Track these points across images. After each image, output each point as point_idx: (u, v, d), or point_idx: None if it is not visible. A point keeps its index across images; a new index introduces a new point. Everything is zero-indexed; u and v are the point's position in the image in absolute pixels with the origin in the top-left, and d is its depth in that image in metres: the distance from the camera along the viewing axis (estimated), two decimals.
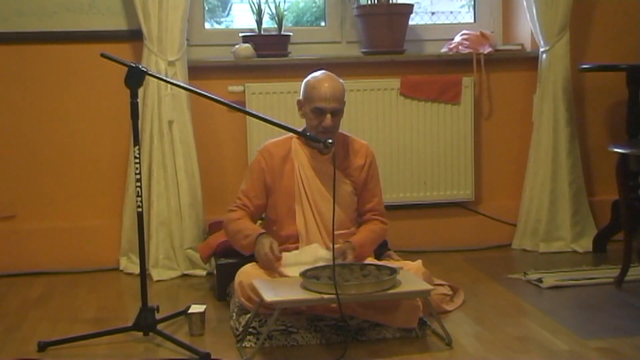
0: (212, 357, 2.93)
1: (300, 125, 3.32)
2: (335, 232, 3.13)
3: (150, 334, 3.09)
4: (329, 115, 3.16)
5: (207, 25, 4.51)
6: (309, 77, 3.27)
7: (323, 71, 3.28)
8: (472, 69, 4.44)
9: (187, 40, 4.19)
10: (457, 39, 4.50)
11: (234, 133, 4.33)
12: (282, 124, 3.14)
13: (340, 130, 3.31)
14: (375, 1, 4.41)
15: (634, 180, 3.92)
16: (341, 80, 3.27)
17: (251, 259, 3.37)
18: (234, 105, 3.25)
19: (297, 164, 3.27)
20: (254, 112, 3.46)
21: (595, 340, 3.04)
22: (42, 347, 3.05)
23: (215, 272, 3.73)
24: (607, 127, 4.65)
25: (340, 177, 3.27)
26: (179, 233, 4.15)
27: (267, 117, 3.17)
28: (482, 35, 4.48)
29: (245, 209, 3.32)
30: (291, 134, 3.26)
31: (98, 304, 3.68)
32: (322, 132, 3.18)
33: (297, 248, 3.25)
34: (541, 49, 4.39)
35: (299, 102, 3.28)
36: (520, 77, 4.57)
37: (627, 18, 4.57)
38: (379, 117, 4.37)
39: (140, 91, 3.16)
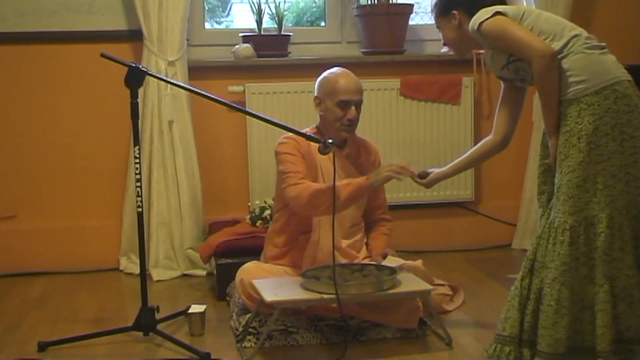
0: (212, 357, 2.93)
1: (300, 125, 3.31)
2: (348, 228, 3.25)
3: (150, 334, 3.09)
4: (353, 108, 3.20)
5: (207, 25, 4.51)
6: (325, 74, 3.28)
7: (338, 67, 3.30)
8: (472, 69, 4.44)
9: (187, 40, 4.19)
10: None
11: (234, 133, 4.34)
12: (282, 124, 3.14)
13: None
14: (375, 1, 4.41)
15: None
16: None
17: (252, 258, 3.38)
18: (234, 105, 3.25)
19: (318, 160, 3.26)
20: (254, 112, 3.46)
21: None
22: (42, 347, 3.05)
23: (215, 272, 3.73)
24: None
25: (356, 175, 3.28)
26: (179, 233, 4.16)
27: (267, 117, 3.17)
28: None
29: (309, 180, 3.17)
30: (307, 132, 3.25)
31: (98, 304, 3.68)
32: (346, 125, 3.20)
33: (308, 238, 3.22)
34: None
35: (317, 98, 3.27)
36: None
37: (627, 18, 4.57)
38: (379, 117, 4.38)
39: (140, 91, 3.16)
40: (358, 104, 3.22)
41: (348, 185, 3.07)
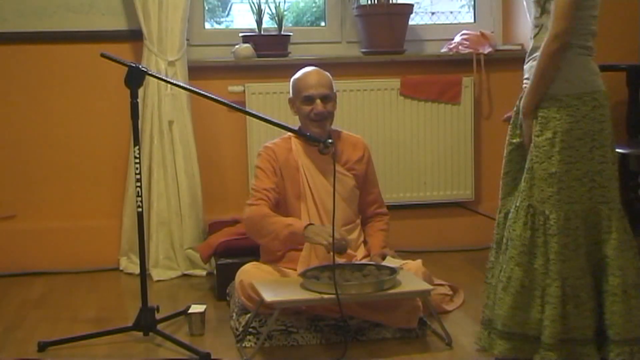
0: (212, 357, 2.93)
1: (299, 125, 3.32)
2: (341, 227, 3.20)
3: (150, 334, 3.09)
4: (318, 101, 3.21)
5: (207, 25, 4.51)
6: (295, 75, 3.34)
7: (308, 67, 3.35)
8: (472, 69, 4.44)
9: (187, 40, 4.19)
10: (457, 39, 4.49)
11: (234, 133, 4.34)
12: (282, 124, 3.14)
13: (332, 127, 3.33)
14: (375, 1, 4.41)
15: (634, 180, 3.92)
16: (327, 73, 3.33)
17: (252, 258, 3.38)
18: (234, 105, 3.25)
19: (300, 162, 3.27)
20: (254, 112, 3.47)
21: None
22: (42, 347, 3.05)
23: (215, 272, 3.73)
24: None
25: (343, 172, 3.28)
26: (179, 233, 4.16)
27: (267, 117, 3.17)
28: (482, 35, 4.48)
29: (268, 201, 3.20)
30: (288, 133, 3.27)
31: (98, 304, 3.68)
32: (316, 120, 3.21)
33: (302, 242, 3.23)
34: None
35: (290, 100, 3.33)
36: (520, 77, 4.51)
37: (627, 18, 4.57)
38: (379, 117, 4.38)
39: (140, 91, 3.16)
40: (324, 98, 3.22)
41: (289, 226, 3.07)
